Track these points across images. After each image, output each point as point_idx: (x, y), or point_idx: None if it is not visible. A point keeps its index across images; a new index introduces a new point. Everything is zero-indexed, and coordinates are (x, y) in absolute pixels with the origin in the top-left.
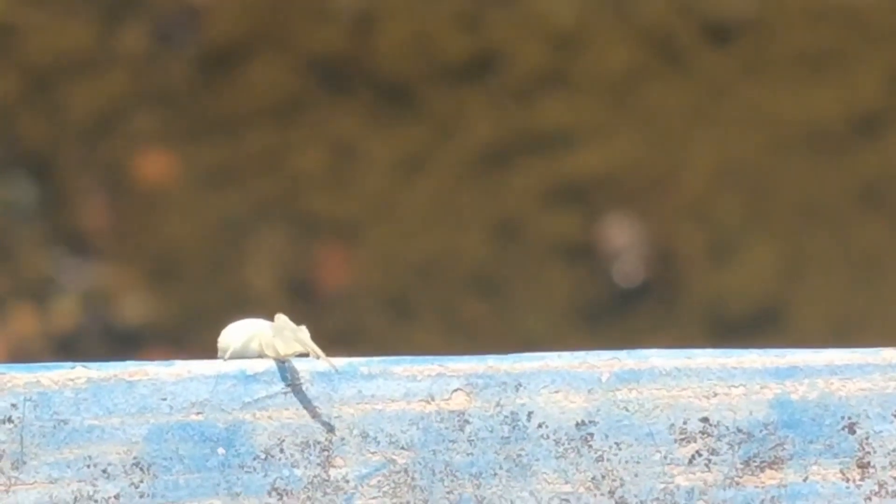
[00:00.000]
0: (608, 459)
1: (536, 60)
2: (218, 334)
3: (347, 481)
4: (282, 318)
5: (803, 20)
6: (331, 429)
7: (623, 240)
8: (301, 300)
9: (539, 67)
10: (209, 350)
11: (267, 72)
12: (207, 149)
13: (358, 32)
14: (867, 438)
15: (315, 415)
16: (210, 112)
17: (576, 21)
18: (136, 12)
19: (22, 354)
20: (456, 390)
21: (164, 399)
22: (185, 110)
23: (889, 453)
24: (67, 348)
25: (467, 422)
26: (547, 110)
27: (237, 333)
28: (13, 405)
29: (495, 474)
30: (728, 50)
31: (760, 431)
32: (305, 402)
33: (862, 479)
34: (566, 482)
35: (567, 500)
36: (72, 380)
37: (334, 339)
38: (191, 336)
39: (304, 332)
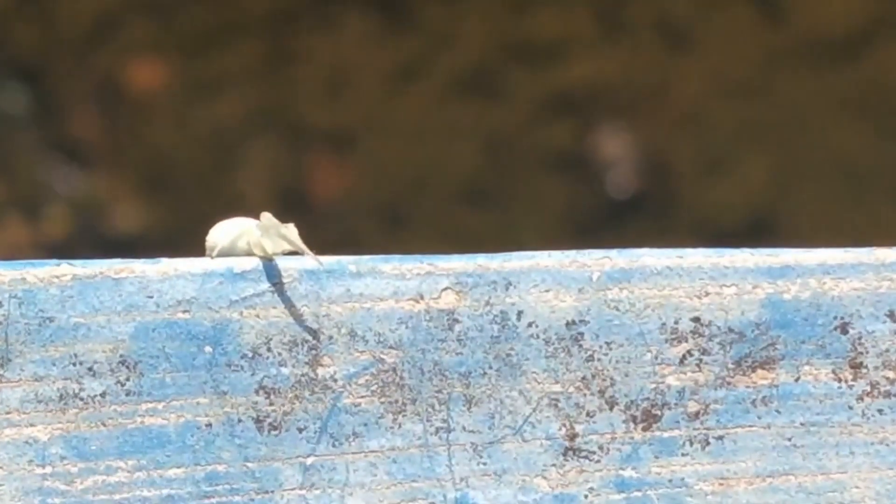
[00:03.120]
0: (598, 359)
1: None
2: (216, 225)
3: (335, 380)
4: (268, 217)
5: None
6: (319, 327)
7: (616, 151)
8: (294, 209)
9: None
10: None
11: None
12: (200, 59)
13: None
14: (859, 339)
15: (302, 313)
16: (202, 22)
17: None
18: None
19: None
20: (445, 289)
21: (151, 297)
22: (178, 20)
23: (881, 353)
24: (59, 256)
25: (456, 321)
26: (540, 22)
27: (225, 232)
28: None
29: (484, 374)
30: None
31: (752, 331)
32: (293, 301)
33: (854, 380)
34: (556, 381)
35: (557, 400)
36: (57, 277)
37: (328, 248)
38: (183, 244)
39: (291, 230)
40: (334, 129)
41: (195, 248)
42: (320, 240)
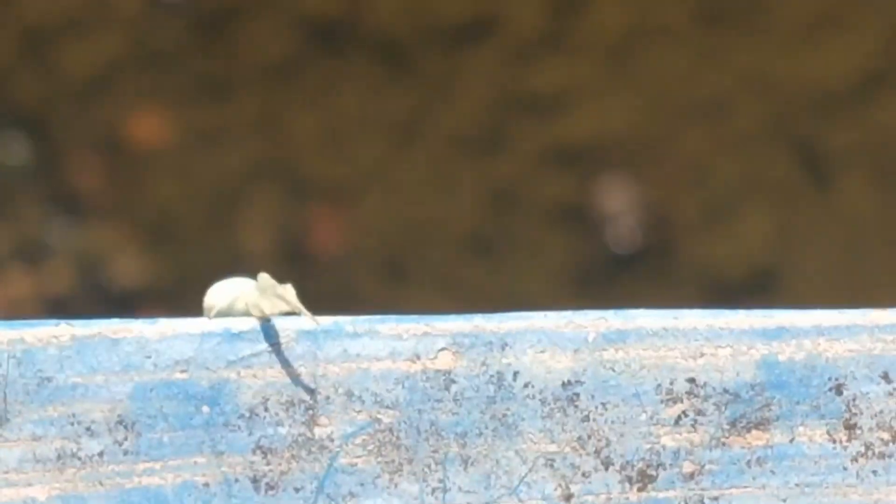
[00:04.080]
0: (594, 419)
1: (533, 23)
2: (214, 286)
3: (332, 440)
4: (265, 278)
5: None
6: (316, 387)
7: (618, 203)
8: (295, 262)
9: (535, 30)
10: (202, 312)
11: (261, 33)
12: (202, 110)
13: None
14: (854, 400)
15: (300, 373)
16: (204, 73)
17: None
18: None
19: (15, 316)
20: (442, 349)
21: (149, 357)
22: (180, 71)
23: (876, 415)
24: (61, 309)
25: (453, 381)
26: (543, 73)
27: (222, 293)
28: None
29: (481, 434)
30: (724, 14)
31: (747, 392)
32: (290, 361)
33: (849, 441)
34: (552, 442)
35: (552, 460)
36: (56, 337)
37: (328, 302)
38: (184, 298)
39: (288, 291)
40: (335, 182)
41: (196, 300)
42: (321, 293)
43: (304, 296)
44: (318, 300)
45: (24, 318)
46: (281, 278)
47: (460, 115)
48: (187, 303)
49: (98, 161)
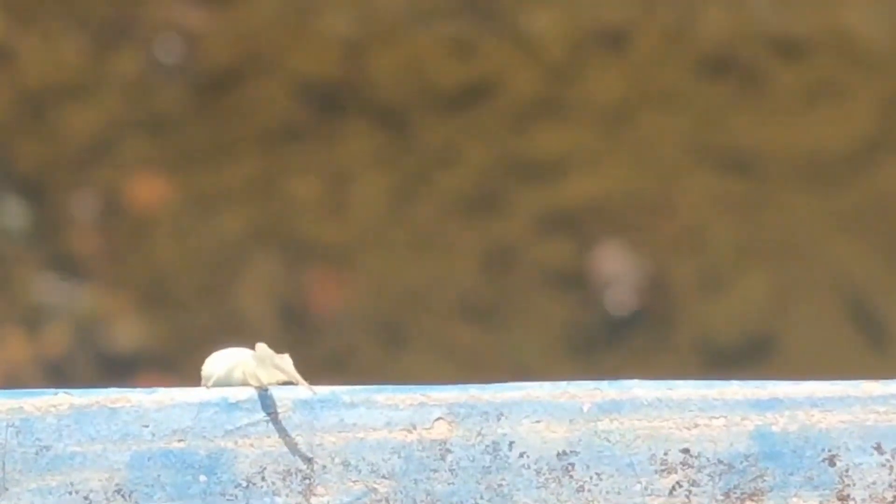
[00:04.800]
0: (589, 490)
1: (530, 89)
2: (211, 355)
3: None
4: (262, 348)
5: (796, 51)
6: (312, 457)
7: (615, 268)
8: (293, 325)
9: (532, 96)
10: (200, 376)
11: (260, 97)
12: (200, 174)
13: (351, 59)
14: (847, 471)
15: (297, 443)
16: (203, 137)
17: (569, 50)
18: (129, 36)
19: (13, 379)
20: (437, 419)
21: (147, 426)
22: (179, 135)
23: (868, 486)
24: (59, 373)
25: (449, 451)
26: (540, 139)
27: (220, 362)
28: None
29: None
30: (720, 80)
31: (741, 463)
32: (287, 431)
33: None
34: None
35: None
36: (55, 406)
37: (326, 365)
38: (183, 361)
39: (286, 361)
40: (334, 245)
41: (195, 364)
42: (320, 356)
43: (302, 358)
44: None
45: (22, 383)
46: (279, 341)
47: (458, 179)
48: (186, 367)
49: (97, 225)
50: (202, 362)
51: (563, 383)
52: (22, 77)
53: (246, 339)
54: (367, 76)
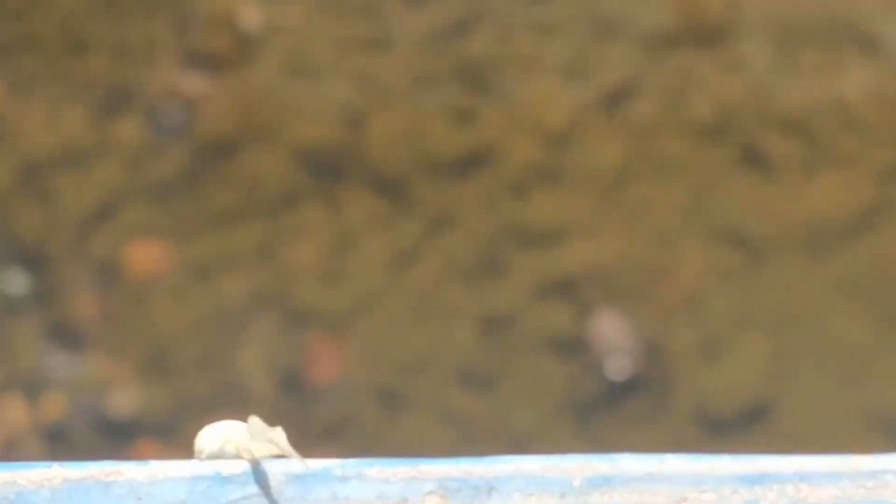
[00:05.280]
0: None
1: (529, 156)
2: (206, 427)
3: None
4: (255, 421)
5: (794, 119)
6: None
7: (614, 335)
8: (292, 392)
9: (531, 163)
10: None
11: (259, 164)
12: (199, 241)
13: (350, 126)
14: None
15: None
16: (202, 204)
17: (568, 118)
18: (128, 104)
19: (12, 447)
20: (429, 493)
21: (140, 500)
22: (178, 202)
23: None
24: (57, 440)
25: None
26: (539, 205)
27: (213, 435)
28: None
29: None
30: (719, 148)
31: None
32: None
33: None
34: None
35: None
36: (48, 479)
37: (324, 432)
38: (182, 428)
39: (279, 434)
40: (332, 311)
41: (193, 431)
42: (317, 424)
43: (299, 426)
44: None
45: (21, 450)
46: (277, 409)
47: (457, 245)
48: (185, 434)
49: (96, 291)
50: (200, 430)
51: (555, 457)
52: (21, 144)
53: (244, 407)
54: (366, 143)
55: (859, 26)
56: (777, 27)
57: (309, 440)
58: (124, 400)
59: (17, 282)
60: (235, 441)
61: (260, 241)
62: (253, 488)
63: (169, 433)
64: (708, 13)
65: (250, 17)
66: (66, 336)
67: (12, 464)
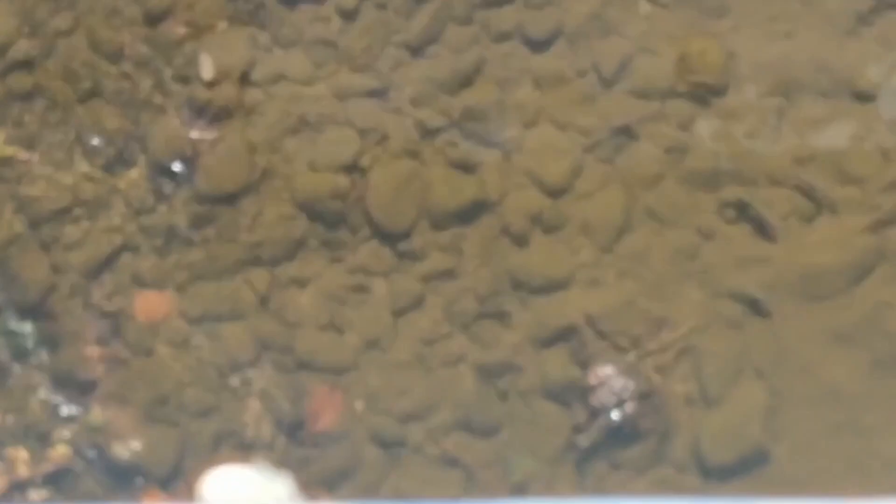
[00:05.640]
0: None
1: (529, 206)
2: (211, 474)
3: None
4: (261, 466)
5: (790, 170)
6: None
7: (613, 383)
8: (294, 439)
9: (531, 212)
10: (203, 492)
11: (262, 214)
12: (203, 290)
13: (352, 175)
14: None
15: None
16: (206, 253)
17: (568, 167)
18: (134, 154)
19: (19, 494)
20: None
21: None
22: (182, 251)
23: None
24: (61, 487)
25: None
26: (539, 255)
27: (220, 481)
28: None
29: None
30: (716, 199)
31: None
32: None
33: None
34: None
35: None
36: None
37: (327, 478)
38: (186, 474)
39: (284, 479)
40: (335, 358)
41: (198, 477)
42: (321, 468)
43: (303, 470)
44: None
45: (28, 497)
46: (281, 454)
47: (458, 294)
48: (188, 480)
49: (101, 340)
50: (204, 477)
51: (554, 503)
52: (28, 194)
53: (247, 453)
54: (367, 192)
55: (852, 78)
56: (772, 79)
57: (312, 486)
58: (128, 447)
59: (24, 331)
60: (242, 486)
61: (263, 289)
62: None
63: (172, 479)
64: (705, 65)
65: (253, 70)
66: (72, 384)
67: None
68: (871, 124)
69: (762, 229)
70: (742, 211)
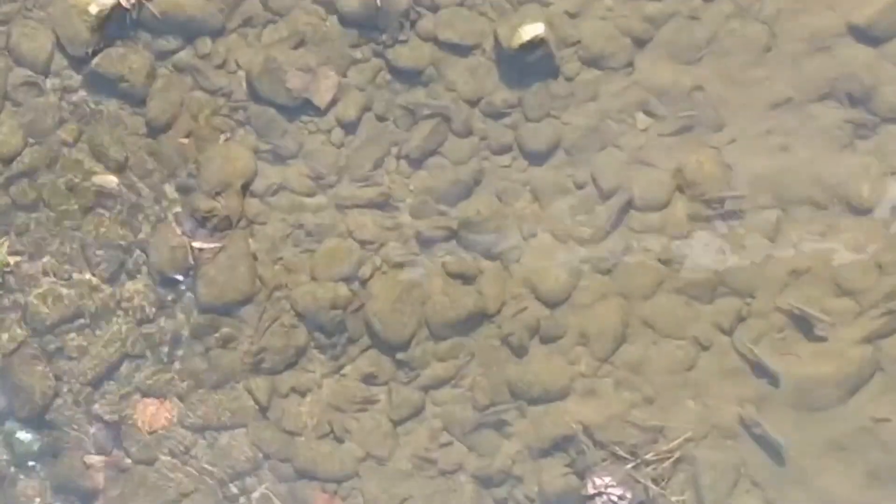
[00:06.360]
0: None
1: (527, 316)
2: None
3: None
4: None
5: (784, 282)
6: None
7: (611, 492)
8: None
9: (530, 323)
10: None
11: (262, 323)
12: (205, 399)
13: (352, 285)
14: None
15: None
16: (208, 363)
17: (566, 278)
18: (136, 264)
19: None
20: None
21: None
22: (185, 361)
23: None
24: None
25: None
26: (538, 365)
27: None
28: None
29: None
30: (712, 307)
31: None
32: None
33: None
34: None
35: None
36: None
37: None
38: None
39: None
40: (334, 467)
41: None
42: None
43: None
44: None
45: None
46: None
47: (457, 403)
48: None
49: (103, 451)
50: None
51: None
52: (32, 305)
53: None
54: (369, 303)
55: (848, 191)
56: (769, 192)
57: None
58: None
59: (26, 439)
60: None
61: (263, 398)
62: None
63: None
64: (703, 177)
65: (255, 180)
66: (74, 492)
67: None
68: (867, 237)
69: (809, 329)
70: (739, 320)
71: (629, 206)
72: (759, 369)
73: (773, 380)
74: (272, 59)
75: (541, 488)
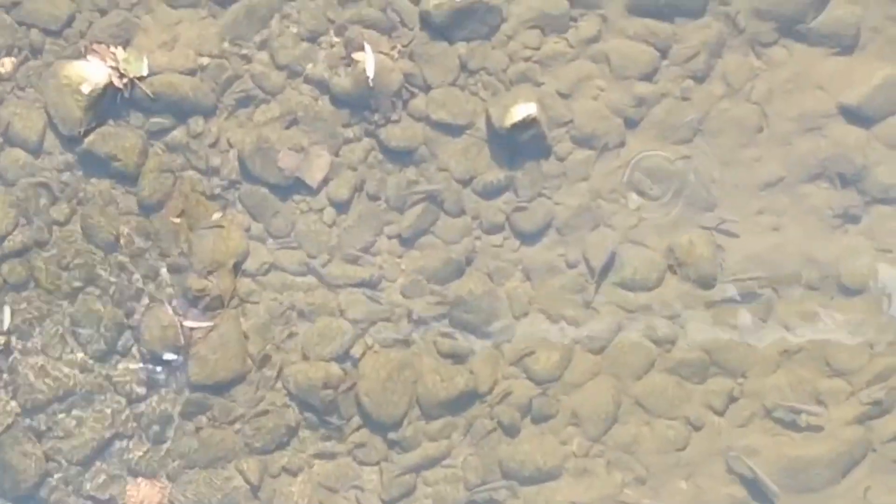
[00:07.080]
0: None
1: (519, 395)
2: None
3: None
4: None
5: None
6: None
7: None
8: None
9: (521, 402)
10: None
11: (254, 402)
12: (196, 479)
13: (346, 366)
14: None
15: None
16: (199, 443)
17: (558, 358)
18: (127, 342)
19: None
20: None
21: None
22: (176, 441)
23: None
24: None
25: None
26: (529, 444)
27: None
28: None
29: None
30: (703, 387)
31: None
32: None
33: None
34: None
35: None
36: None
37: None
38: None
39: None
40: None
41: None
42: None
43: None
44: None
45: None
46: None
47: (448, 483)
48: None
49: None
50: None
51: None
52: (22, 383)
53: None
54: (360, 382)
55: (839, 272)
56: (760, 271)
57: None
58: None
59: None
60: None
61: (254, 478)
62: None
63: None
64: (694, 257)
65: (246, 260)
66: None
67: None
68: (858, 317)
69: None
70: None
71: (612, 262)
72: (756, 487)
73: (769, 500)
74: (264, 138)
75: None
